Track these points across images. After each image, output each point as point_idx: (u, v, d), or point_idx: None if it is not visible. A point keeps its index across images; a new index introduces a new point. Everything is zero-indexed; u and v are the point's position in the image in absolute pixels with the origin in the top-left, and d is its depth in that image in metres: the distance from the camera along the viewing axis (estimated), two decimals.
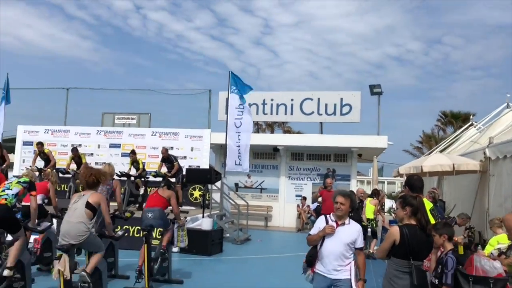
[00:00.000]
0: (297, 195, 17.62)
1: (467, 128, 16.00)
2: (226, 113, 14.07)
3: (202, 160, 14.93)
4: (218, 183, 13.03)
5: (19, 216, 6.39)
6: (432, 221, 4.64)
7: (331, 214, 4.39)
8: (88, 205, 5.21)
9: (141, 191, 12.44)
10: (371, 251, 10.47)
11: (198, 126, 16.13)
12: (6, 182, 6.00)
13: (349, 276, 4.15)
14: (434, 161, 10.86)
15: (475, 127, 15.09)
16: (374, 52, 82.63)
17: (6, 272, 5.38)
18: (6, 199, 5.69)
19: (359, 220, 9.77)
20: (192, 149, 15.15)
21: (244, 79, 13.88)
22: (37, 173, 10.69)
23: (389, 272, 4.07)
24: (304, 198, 16.98)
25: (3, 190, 5.81)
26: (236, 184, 17.92)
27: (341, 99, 17.64)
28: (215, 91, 17.99)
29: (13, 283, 5.49)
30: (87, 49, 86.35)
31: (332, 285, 4.21)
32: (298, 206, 17.21)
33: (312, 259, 4.29)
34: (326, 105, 17.76)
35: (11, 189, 5.85)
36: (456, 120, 30.54)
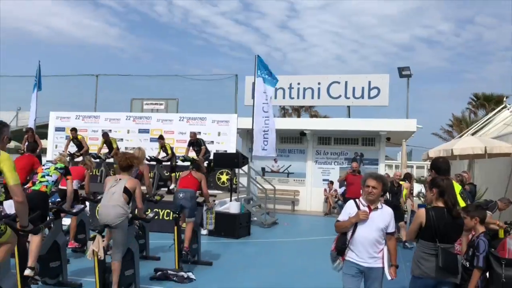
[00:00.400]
0: (324, 180, 17.57)
1: (500, 110, 15.55)
2: (253, 97, 14.07)
3: (229, 144, 15.04)
4: (245, 168, 13.12)
5: (57, 199, 6.58)
6: (462, 204, 4.55)
7: (360, 198, 4.18)
8: (126, 190, 5.35)
9: (172, 185, 12.58)
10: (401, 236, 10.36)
11: (224, 111, 16.23)
12: (43, 168, 6.18)
13: (382, 264, 4.01)
14: (465, 144, 10.64)
15: (508, 109, 14.66)
16: (403, 34, 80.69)
17: (27, 271, 5.30)
18: (46, 186, 5.87)
19: (397, 205, 9.65)
20: (219, 134, 15.26)
21: (269, 64, 13.86)
22: (68, 158, 10.97)
23: (416, 254, 4.06)
24: (331, 183, 16.92)
25: (43, 176, 5.99)
26: (263, 169, 17.98)
27: (369, 82, 17.38)
28: (241, 76, 17.99)
29: (49, 261, 5.70)
30: (114, 36, 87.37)
31: (365, 274, 4.04)
32: (325, 190, 17.18)
33: (344, 247, 4.08)
34: (353, 88, 17.53)
35: (51, 176, 6.03)
36: (489, 102, 29.66)
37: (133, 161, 5.66)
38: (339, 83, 17.72)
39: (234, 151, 14.43)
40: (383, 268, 4.00)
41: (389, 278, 4.00)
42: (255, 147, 13.34)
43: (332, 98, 17.82)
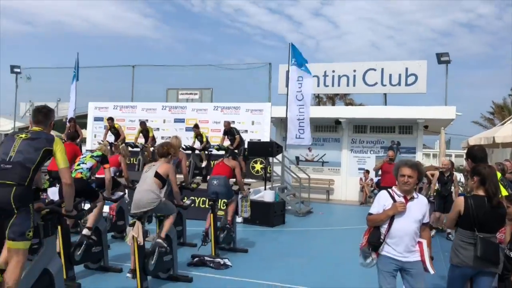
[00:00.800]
0: (359, 169, 17.35)
1: None
2: (287, 86, 14.00)
3: (263, 133, 15.04)
4: (279, 156, 13.11)
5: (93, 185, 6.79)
6: (504, 192, 4.40)
7: (394, 188, 3.86)
8: (157, 175, 5.47)
9: (204, 163, 12.77)
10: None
11: (258, 100, 16.22)
12: (81, 156, 6.40)
13: (421, 258, 3.72)
14: (507, 131, 10.26)
15: None
16: (441, 19, 78.19)
17: (85, 231, 5.86)
18: (81, 172, 6.09)
19: (445, 196, 9.26)
20: (253, 123, 15.29)
21: (302, 52, 13.68)
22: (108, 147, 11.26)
23: (455, 243, 3.98)
24: (367, 171, 16.69)
25: (79, 164, 6.22)
26: (297, 158, 17.91)
27: (406, 69, 16.97)
28: (274, 64, 17.90)
29: (91, 246, 5.90)
30: (149, 27, 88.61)
31: (403, 269, 3.74)
32: (360, 179, 16.97)
33: (379, 242, 3.74)
34: (390, 75, 17.16)
35: (86, 163, 6.23)
36: None
37: (170, 149, 5.79)
38: (375, 70, 17.38)
39: (268, 140, 14.43)
40: (422, 261, 3.72)
41: (432, 272, 3.73)
42: (290, 136, 13.30)
43: (368, 85, 17.52)
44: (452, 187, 9.35)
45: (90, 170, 6.22)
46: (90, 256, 5.98)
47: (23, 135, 3.79)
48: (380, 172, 11.43)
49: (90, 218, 5.93)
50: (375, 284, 3.86)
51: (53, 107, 22.83)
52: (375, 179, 15.89)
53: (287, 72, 13.95)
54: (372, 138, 17.53)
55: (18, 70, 21.57)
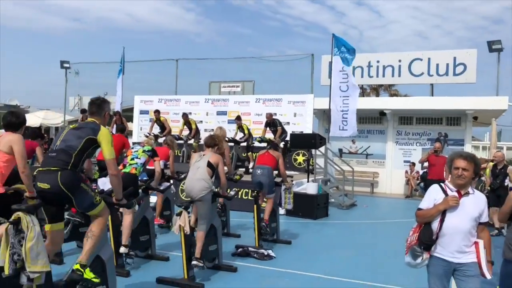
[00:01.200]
0: (405, 161, 16.92)
1: None
2: (329, 77, 13.81)
3: (305, 125, 14.91)
4: (322, 149, 12.98)
5: (144, 177, 6.94)
6: None
7: (446, 182, 3.57)
8: (209, 164, 5.56)
9: (250, 164, 12.77)
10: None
11: (300, 92, 16.09)
12: (133, 151, 6.53)
13: (476, 259, 3.37)
14: None
15: None
16: (491, 5, 74.75)
17: (122, 249, 5.71)
18: (135, 168, 6.22)
19: (494, 190, 8.88)
20: (295, 115, 15.19)
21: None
22: (153, 140, 11.51)
23: (508, 237, 3.81)
24: (413, 164, 16.26)
25: (132, 159, 6.34)
26: (340, 150, 17.68)
27: (454, 58, 16.34)
28: (317, 55, 17.68)
29: (140, 235, 6.06)
30: (191, 21, 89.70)
31: (455, 271, 3.42)
32: (406, 172, 16.56)
33: (432, 241, 3.43)
34: (437, 65, 16.59)
35: (139, 158, 6.36)
36: None
37: (215, 140, 5.87)
38: (421, 60, 16.85)
39: (310, 131, 14.30)
40: (478, 264, 3.36)
41: (488, 277, 3.37)
42: (333, 128, 13.13)
43: (414, 75, 17.02)
44: (507, 181, 8.97)
45: (143, 166, 6.35)
46: (138, 245, 6.14)
47: (73, 126, 3.94)
48: (426, 165, 11.11)
49: (124, 234, 5.81)
50: (424, 280, 3.73)
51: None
52: (421, 172, 15.47)
53: (330, 63, 13.76)
54: (418, 129, 17.04)
55: (68, 65, 22.36)
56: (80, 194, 3.70)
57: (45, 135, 22.76)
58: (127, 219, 5.76)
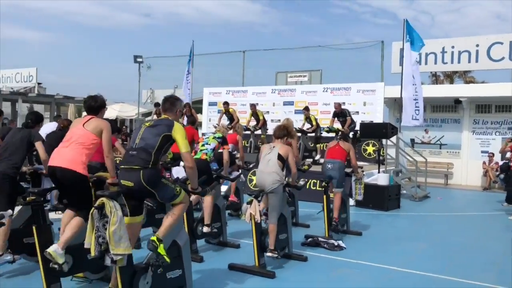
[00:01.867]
0: (482, 151, 15.98)
1: None
2: (401, 64, 13.31)
3: (375, 115, 14.53)
4: (393, 139, 12.58)
5: (215, 167, 7.11)
6: None
7: None
8: (279, 157, 5.57)
9: (317, 156, 12.69)
10: None
11: (370, 80, 15.66)
12: (204, 137, 6.71)
13: None
14: None
15: None
16: None
17: (205, 229, 6.06)
18: (206, 153, 6.39)
19: None
20: (364, 104, 14.83)
21: (416, 29, 12.83)
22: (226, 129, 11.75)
23: None
24: (493, 154, 15.32)
25: (203, 145, 6.52)
26: (412, 140, 17.02)
27: None
28: (387, 43, 17.08)
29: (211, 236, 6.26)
30: (257, 12, 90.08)
31: None
32: (484, 163, 15.63)
33: None
34: None
35: (210, 144, 6.53)
36: None
37: (286, 130, 5.87)
38: (501, 44, 15.73)
39: (380, 121, 13.91)
40: None
41: None
42: (405, 117, 12.63)
43: (493, 61, 15.94)
44: None
45: (213, 151, 6.51)
46: (211, 232, 6.30)
47: (148, 123, 4.11)
48: (508, 155, 10.44)
49: (206, 214, 6.05)
50: (505, 275, 3.50)
51: (171, 94, 24.51)
52: (501, 163, 14.52)
53: (401, 49, 13.24)
54: (497, 118, 15.99)
55: (141, 59, 23.30)
56: (162, 189, 3.90)
57: (125, 127, 23.96)
58: (207, 200, 6.02)
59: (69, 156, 4.23)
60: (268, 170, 5.53)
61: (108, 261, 3.59)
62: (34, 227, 4.21)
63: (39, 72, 27.96)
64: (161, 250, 3.85)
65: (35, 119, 5.55)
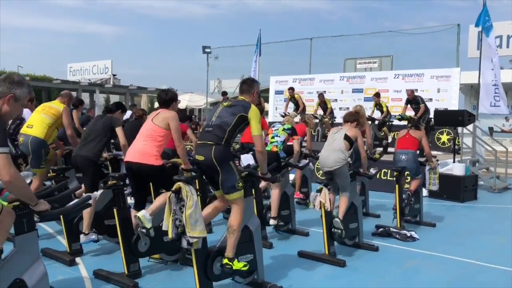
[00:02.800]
0: None
1: None
2: (478, 48, 12.56)
3: (450, 101, 13.83)
4: (470, 127, 11.90)
5: (283, 155, 7.14)
6: None
7: None
8: (346, 137, 5.53)
9: (389, 139, 12.35)
10: None
11: (444, 66, 14.92)
12: (273, 129, 6.75)
13: None
14: None
15: None
16: None
17: (271, 221, 6.12)
18: (276, 146, 6.43)
19: None
20: (438, 91, 14.16)
21: (497, 9, 12.06)
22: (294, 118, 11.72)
23: None
24: None
25: (273, 137, 6.56)
26: (491, 128, 16.08)
27: None
28: (463, 26, 16.15)
29: (281, 210, 6.29)
30: None
31: None
32: None
33: None
34: None
35: (279, 136, 6.56)
36: None
37: (358, 116, 5.78)
38: None
39: (456, 108, 13.22)
40: None
41: None
42: (483, 104, 11.97)
43: None
44: None
45: (283, 143, 6.53)
46: (280, 219, 6.35)
47: (226, 103, 4.18)
48: None
49: (273, 206, 6.10)
50: None
51: (237, 84, 24.91)
52: None
53: (480, 33, 12.49)
54: None
55: (209, 50, 23.78)
56: (227, 171, 3.91)
57: (194, 116, 24.66)
58: (275, 193, 6.07)
59: (141, 150, 4.52)
60: (332, 147, 5.51)
61: (184, 243, 3.73)
62: (115, 210, 4.49)
63: (114, 64, 29.46)
64: (237, 266, 3.95)
65: (116, 106, 5.90)
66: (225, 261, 3.93)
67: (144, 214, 4.27)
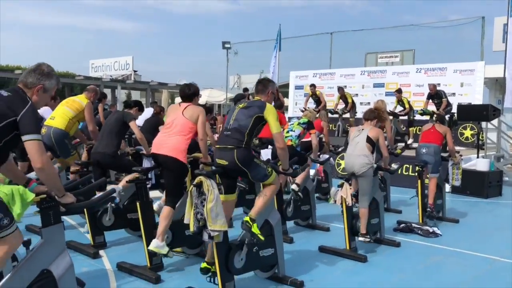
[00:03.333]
0: None
1: None
2: (504, 41, 12.27)
3: (474, 96, 13.58)
4: (494, 121, 11.67)
5: (299, 149, 7.14)
6: None
7: None
8: (368, 139, 5.44)
9: (410, 141, 12.21)
10: None
11: (468, 59, 14.64)
12: (289, 124, 6.76)
13: None
14: None
15: None
16: None
17: (293, 186, 6.24)
18: (291, 140, 6.44)
19: None
20: (462, 85, 13.92)
21: None
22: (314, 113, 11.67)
23: None
24: None
25: (288, 131, 6.58)
26: None
27: None
28: (488, 19, 15.82)
29: (300, 205, 6.28)
30: None
31: None
32: None
33: None
34: None
35: (294, 131, 6.56)
36: None
37: (378, 113, 5.71)
38: None
39: (480, 103, 12.97)
40: None
41: None
42: (508, 98, 11.71)
43: None
44: None
45: (298, 138, 6.53)
46: (300, 214, 6.36)
47: (241, 105, 4.20)
48: None
49: (299, 177, 6.25)
50: None
51: (256, 79, 24.95)
52: None
53: (505, 25, 12.21)
54: None
55: (229, 45, 23.82)
56: (255, 168, 4.00)
57: (216, 113, 24.74)
58: (307, 168, 6.14)
59: (171, 144, 4.53)
60: (356, 153, 5.43)
61: (205, 237, 3.76)
62: (138, 203, 4.55)
63: (134, 60, 29.75)
64: (255, 229, 3.97)
65: (134, 103, 6.10)
66: (247, 219, 3.98)
67: (156, 245, 4.33)
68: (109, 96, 27.01)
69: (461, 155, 7.64)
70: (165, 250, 4.35)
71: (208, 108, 9.71)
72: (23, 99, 2.81)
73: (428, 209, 6.77)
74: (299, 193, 6.25)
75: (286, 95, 18.84)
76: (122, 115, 5.61)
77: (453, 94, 13.53)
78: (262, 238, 3.98)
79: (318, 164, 7.70)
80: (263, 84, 4.34)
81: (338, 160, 10.93)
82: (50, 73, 2.99)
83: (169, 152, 4.48)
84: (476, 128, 11.97)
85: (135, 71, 30.29)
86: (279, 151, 4.16)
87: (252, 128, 4.02)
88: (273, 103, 4.42)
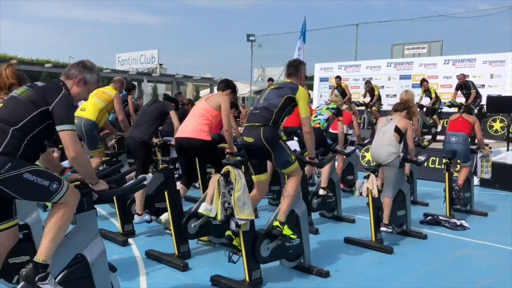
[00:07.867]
0: None
1: None
2: None
3: (504, 87, 13.28)
4: None
5: (329, 141, 7.12)
6: None
7: None
8: (397, 129, 5.41)
9: (439, 127, 12.01)
10: None
11: (498, 50, 14.29)
12: (317, 108, 6.75)
13: None
14: None
15: None
16: None
17: (321, 191, 6.21)
18: (319, 123, 6.44)
19: None
20: (491, 76, 13.62)
21: None
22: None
23: None
24: None
25: (316, 116, 6.57)
26: None
27: None
28: None
29: (327, 199, 6.28)
30: None
31: None
32: None
33: None
34: None
35: (322, 115, 6.56)
36: None
37: (408, 105, 5.69)
38: None
39: (510, 94, 12.65)
40: None
41: None
42: None
43: None
44: None
45: (327, 121, 6.51)
46: (325, 205, 6.36)
47: (273, 86, 4.24)
48: None
49: (323, 177, 6.23)
50: None
51: (281, 72, 24.86)
52: None
53: None
54: None
55: (253, 38, 23.83)
56: (279, 150, 4.00)
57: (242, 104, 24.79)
58: (325, 170, 6.16)
59: (192, 127, 4.71)
60: (383, 142, 5.40)
61: (233, 225, 3.82)
62: (166, 192, 4.64)
63: (160, 54, 30.05)
64: (286, 231, 4.02)
65: (168, 97, 6.29)
66: (276, 223, 4.01)
67: (205, 208, 4.36)
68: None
69: (490, 148, 7.49)
70: (213, 213, 4.35)
71: (233, 102, 9.77)
72: (57, 89, 2.88)
73: (456, 187, 6.66)
74: (329, 194, 6.27)
75: (311, 87, 18.77)
76: (163, 105, 5.72)
77: (483, 85, 13.23)
78: (294, 237, 4.04)
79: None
80: (295, 66, 4.28)
81: (363, 153, 10.84)
82: (92, 67, 3.08)
83: (190, 134, 4.64)
84: (506, 121, 11.69)
85: (160, 64, 30.60)
86: (306, 135, 4.16)
87: (282, 107, 4.01)
88: (305, 86, 4.43)
